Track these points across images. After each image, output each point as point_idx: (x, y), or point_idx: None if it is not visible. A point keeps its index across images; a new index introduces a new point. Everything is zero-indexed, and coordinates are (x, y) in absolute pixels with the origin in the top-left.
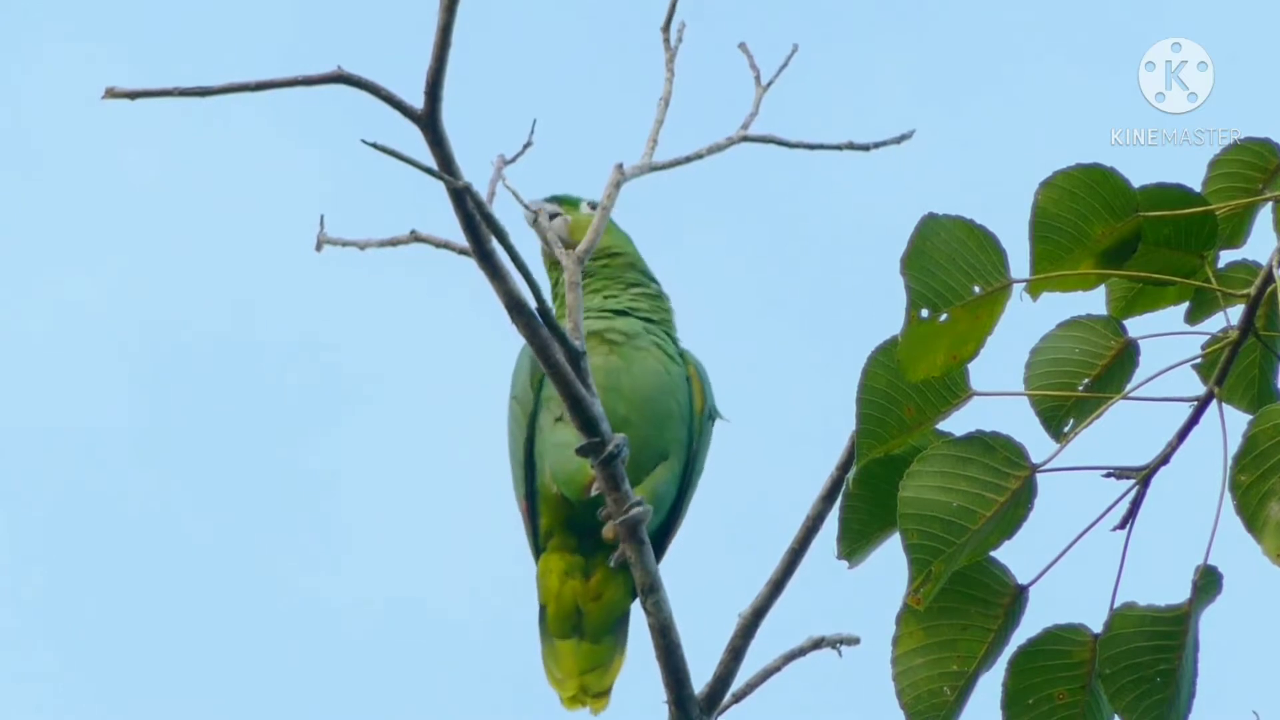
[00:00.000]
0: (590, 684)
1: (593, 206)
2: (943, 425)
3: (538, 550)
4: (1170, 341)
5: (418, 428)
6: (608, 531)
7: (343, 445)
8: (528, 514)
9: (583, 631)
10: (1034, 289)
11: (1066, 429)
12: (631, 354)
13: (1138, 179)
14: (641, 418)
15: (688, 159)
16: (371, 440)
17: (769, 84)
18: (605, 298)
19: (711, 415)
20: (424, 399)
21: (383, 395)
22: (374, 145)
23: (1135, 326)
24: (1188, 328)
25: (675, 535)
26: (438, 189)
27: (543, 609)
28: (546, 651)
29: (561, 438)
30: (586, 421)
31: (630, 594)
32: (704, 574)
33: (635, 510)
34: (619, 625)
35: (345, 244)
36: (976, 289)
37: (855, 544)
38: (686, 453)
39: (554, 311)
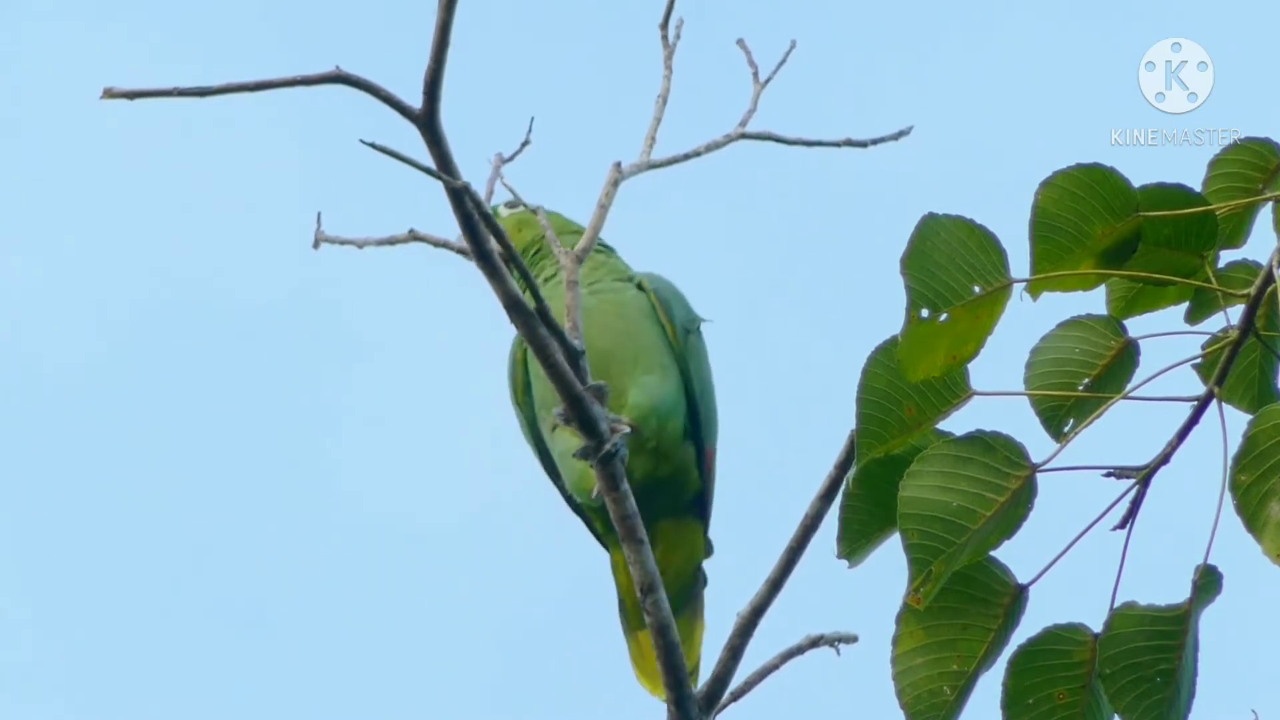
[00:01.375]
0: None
1: (510, 207)
2: (943, 425)
3: (606, 548)
4: (1170, 341)
5: (415, 388)
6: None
7: (338, 405)
8: (584, 520)
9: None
10: (1034, 289)
11: (1066, 429)
12: (583, 320)
13: (1138, 179)
14: (615, 370)
15: (686, 157)
16: (369, 399)
17: (767, 81)
18: (544, 280)
19: (688, 328)
20: (422, 359)
21: (381, 356)
22: (372, 145)
23: (1135, 326)
24: (1188, 327)
25: (714, 463)
26: (436, 188)
27: (621, 604)
28: (633, 651)
29: (562, 446)
30: (585, 421)
31: (694, 555)
32: None
33: (612, 441)
34: (692, 592)
35: (343, 242)
36: (976, 289)
37: (855, 544)
38: (678, 372)
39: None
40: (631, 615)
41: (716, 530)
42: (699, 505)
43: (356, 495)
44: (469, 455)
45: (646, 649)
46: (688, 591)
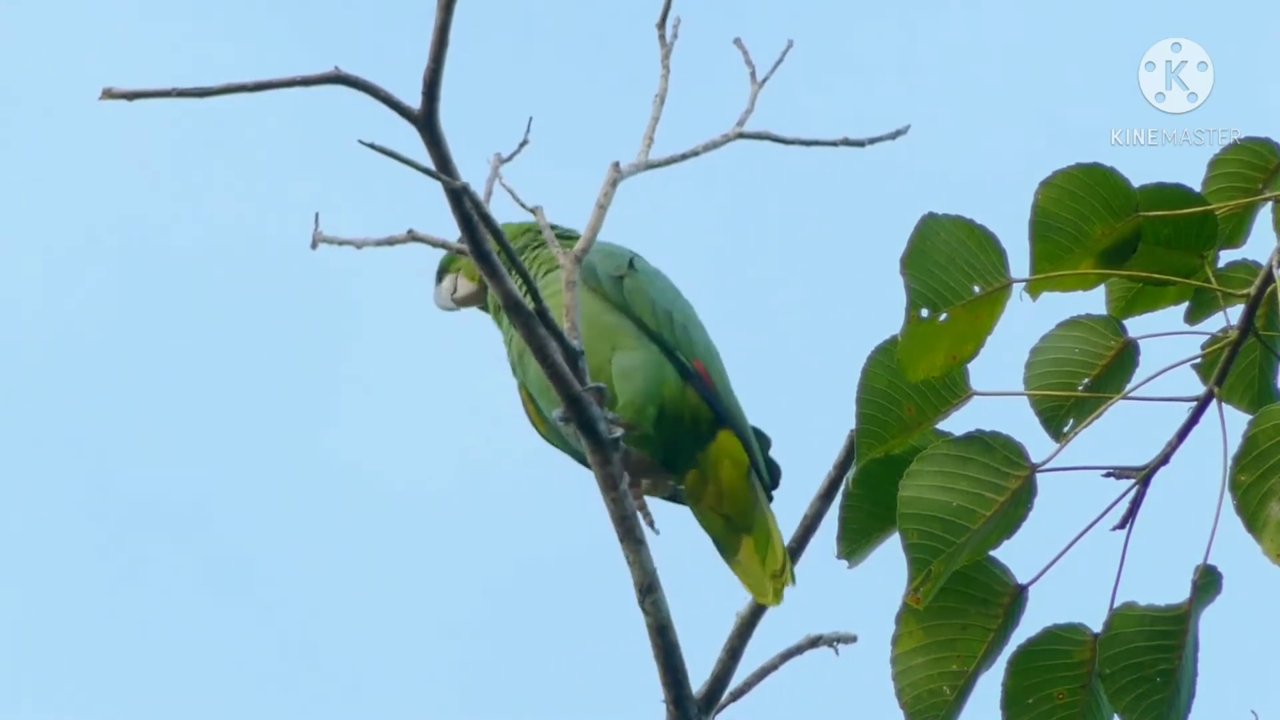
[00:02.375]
0: (773, 568)
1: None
2: (942, 425)
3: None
4: (1170, 341)
5: (409, 357)
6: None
7: (334, 374)
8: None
9: (738, 527)
10: (1034, 289)
11: (1066, 429)
12: None
13: (1138, 179)
14: (589, 352)
15: (683, 156)
16: (363, 368)
17: (764, 80)
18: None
19: (617, 275)
20: (416, 329)
21: (377, 325)
22: (372, 146)
23: (1135, 326)
24: (1188, 327)
25: (711, 373)
26: (435, 189)
27: (715, 542)
28: (740, 575)
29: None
30: (584, 421)
31: (738, 461)
32: (702, 573)
33: (614, 432)
34: (752, 494)
35: (342, 243)
36: (976, 289)
37: (855, 544)
38: (631, 322)
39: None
40: (725, 544)
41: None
42: (719, 420)
43: (348, 459)
44: (461, 422)
45: (748, 563)
46: (747, 501)
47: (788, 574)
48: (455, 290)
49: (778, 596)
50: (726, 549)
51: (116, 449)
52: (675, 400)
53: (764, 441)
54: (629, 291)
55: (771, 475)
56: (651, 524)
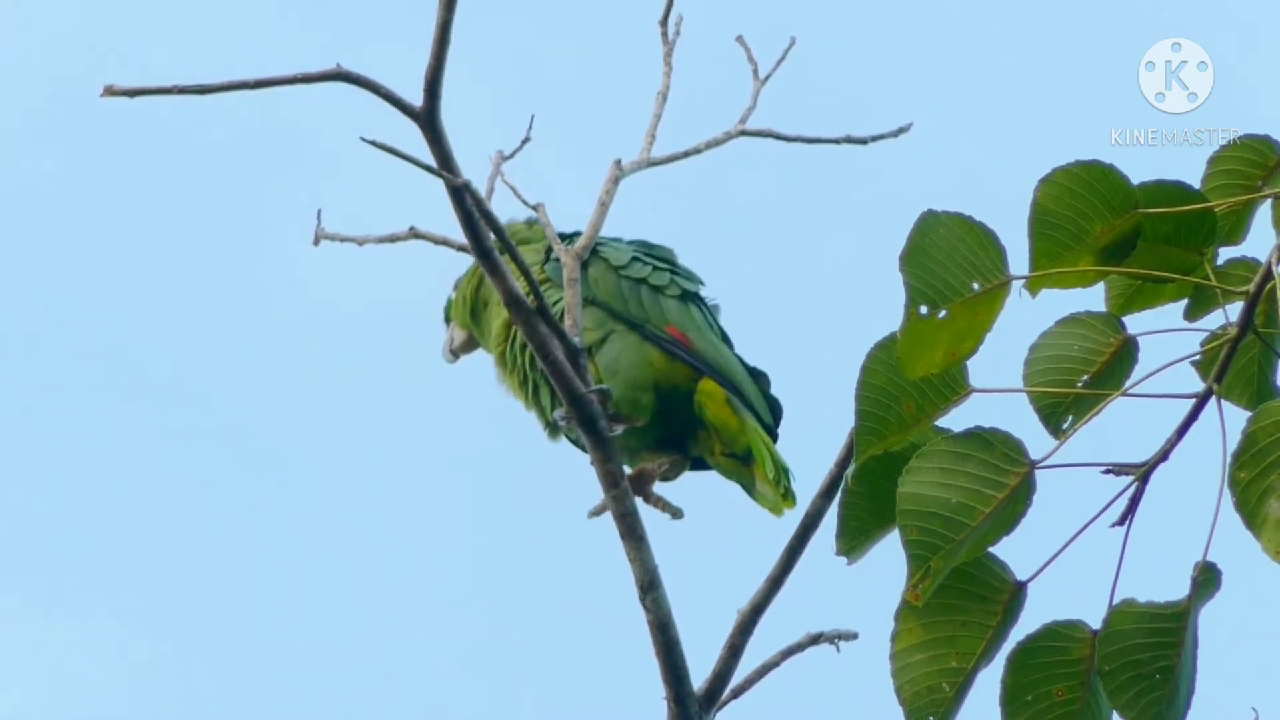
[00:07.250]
0: (778, 478)
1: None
2: (942, 422)
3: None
4: (1169, 338)
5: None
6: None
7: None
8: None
9: (743, 459)
10: (1033, 286)
11: (1065, 426)
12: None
13: (1137, 179)
14: None
15: (686, 154)
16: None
17: (767, 78)
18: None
19: (586, 263)
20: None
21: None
22: (374, 143)
23: (1134, 323)
24: (1187, 324)
25: (688, 334)
26: (437, 185)
27: (740, 485)
28: (763, 504)
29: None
30: (586, 419)
31: (714, 395)
32: (702, 571)
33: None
34: (738, 419)
35: (344, 240)
36: (975, 286)
37: (854, 540)
38: (600, 307)
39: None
40: (746, 484)
41: (713, 531)
42: (699, 374)
43: (305, 283)
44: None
45: (764, 487)
46: (737, 427)
47: (783, 479)
48: (452, 342)
49: (788, 501)
50: (747, 486)
51: (79, 281)
52: (666, 375)
53: (763, 381)
54: (594, 280)
55: (773, 413)
56: (675, 514)
